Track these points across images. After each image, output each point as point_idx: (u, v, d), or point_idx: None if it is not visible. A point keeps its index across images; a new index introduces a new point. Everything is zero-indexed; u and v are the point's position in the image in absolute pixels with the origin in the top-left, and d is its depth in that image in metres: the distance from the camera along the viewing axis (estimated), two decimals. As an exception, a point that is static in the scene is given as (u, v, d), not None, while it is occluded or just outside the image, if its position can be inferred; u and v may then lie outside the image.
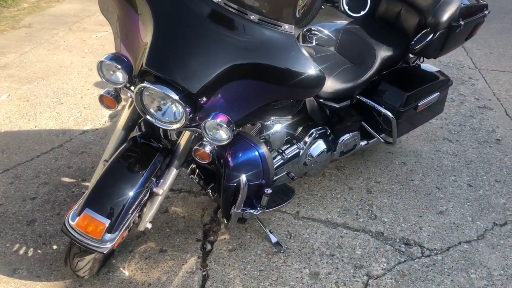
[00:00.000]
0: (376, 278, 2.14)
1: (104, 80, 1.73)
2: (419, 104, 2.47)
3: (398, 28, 2.58)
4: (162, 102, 1.70)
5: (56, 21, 5.28)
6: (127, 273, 2.10)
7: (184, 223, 2.40)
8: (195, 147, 1.79)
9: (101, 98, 1.82)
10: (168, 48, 1.63)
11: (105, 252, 1.71)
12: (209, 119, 1.65)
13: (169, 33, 1.64)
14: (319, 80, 1.75)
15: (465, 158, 3.04)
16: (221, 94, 1.69)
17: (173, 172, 1.90)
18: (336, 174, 2.82)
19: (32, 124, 3.20)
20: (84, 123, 3.23)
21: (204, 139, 1.76)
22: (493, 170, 2.93)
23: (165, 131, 2.11)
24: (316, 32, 1.82)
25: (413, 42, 2.46)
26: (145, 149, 1.89)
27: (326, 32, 1.83)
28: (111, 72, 1.72)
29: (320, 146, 2.37)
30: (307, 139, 2.34)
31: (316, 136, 2.35)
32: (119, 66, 1.67)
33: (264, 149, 1.89)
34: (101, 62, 1.70)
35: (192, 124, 1.72)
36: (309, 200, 2.60)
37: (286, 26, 1.68)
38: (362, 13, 2.66)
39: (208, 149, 1.76)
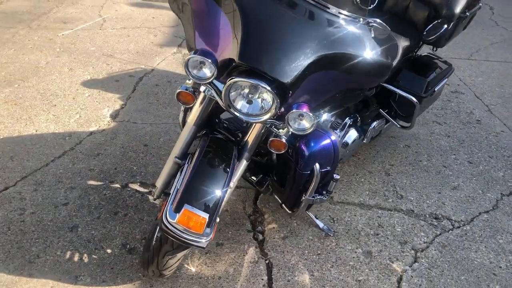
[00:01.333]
0: (422, 251, 2.32)
1: (191, 77, 1.72)
2: (435, 90, 2.68)
3: (407, 20, 2.77)
4: (250, 95, 1.73)
5: (10, 19, 4.93)
6: (193, 269, 2.11)
7: (229, 216, 2.43)
8: (271, 138, 1.84)
9: (178, 95, 1.80)
10: (260, 42, 1.66)
11: (205, 246, 1.71)
12: (293, 110, 1.71)
13: (258, 27, 1.68)
14: (388, 68, 1.88)
15: (457, 138, 3.33)
16: (304, 85, 1.75)
17: (243, 164, 1.93)
18: (353, 160, 2.98)
19: (31, 128, 3.02)
20: (87, 124, 3.11)
21: (280, 130, 1.82)
22: (484, 147, 3.25)
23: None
24: (373, 24, 1.94)
25: (425, 32, 2.66)
26: (221, 144, 1.91)
27: (378, 21, 1.95)
28: (198, 68, 1.72)
29: (353, 133, 2.50)
30: (342, 126, 2.46)
31: (350, 123, 2.48)
32: (209, 61, 1.67)
33: (335, 136, 1.99)
34: (190, 58, 1.69)
35: (275, 116, 1.77)
36: (338, 185, 2.73)
37: (361, 19, 1.79)
38: (372, 6, 2.82)
39: (284, 139, 1.82)
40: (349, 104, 2.27)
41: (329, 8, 1.74)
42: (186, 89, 1.80)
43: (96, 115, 3.23)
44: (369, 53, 1.80)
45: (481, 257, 2.31)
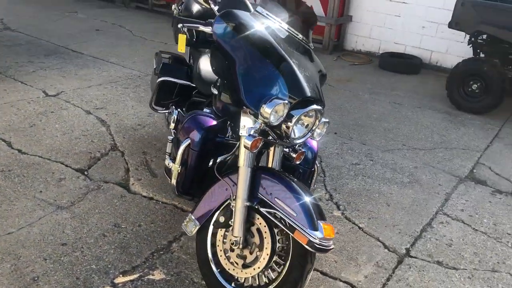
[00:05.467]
0: (355, 218, 3.05)
1: (272, 122, 1.95)
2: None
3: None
4: (300, 122, 2.07)
5: None
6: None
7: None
8: (296, 154, 2.22)
9: (251, 145, 1.93)
10: (303, 78, 2.05)
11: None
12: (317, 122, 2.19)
13: (297, 68, 2.06)
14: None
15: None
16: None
17: None
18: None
19: None
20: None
21: (297, 142, 2.22)
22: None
23: None
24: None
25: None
26: (271, 170, 2.17)
27: None
28: (275, 114, 1.95)
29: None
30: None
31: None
32: (286, 101, 1.95)
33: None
34: (273, 109, 1.91)
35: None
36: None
37: (311, 44, 2.40)
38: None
39: (302, 149, 2.27)
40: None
41: (305, 41, 2.28)
42: (254, 136, 1.95)
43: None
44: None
45: (373, 188, 3.26)
